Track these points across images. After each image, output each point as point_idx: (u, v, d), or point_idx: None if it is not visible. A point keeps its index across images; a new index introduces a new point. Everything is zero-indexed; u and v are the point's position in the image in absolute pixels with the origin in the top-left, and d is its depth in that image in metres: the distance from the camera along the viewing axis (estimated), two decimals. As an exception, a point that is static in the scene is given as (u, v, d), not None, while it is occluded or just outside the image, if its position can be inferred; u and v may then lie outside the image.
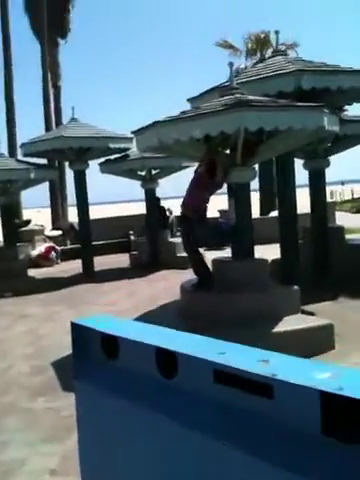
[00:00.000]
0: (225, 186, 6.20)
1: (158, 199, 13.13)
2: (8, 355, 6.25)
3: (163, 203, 13.89)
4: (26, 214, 22.22)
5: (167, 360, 1.67)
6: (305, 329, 5.27)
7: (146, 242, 12.72)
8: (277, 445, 1.15)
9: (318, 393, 1.05)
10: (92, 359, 2.42)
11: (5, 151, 16.22)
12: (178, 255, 12.17)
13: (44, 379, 5.33)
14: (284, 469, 1.08)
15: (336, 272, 8.34)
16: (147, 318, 6.84)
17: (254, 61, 19.40)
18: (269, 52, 23.53)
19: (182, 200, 6.19)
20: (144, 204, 13.00)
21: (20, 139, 17.48)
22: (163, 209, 13.74)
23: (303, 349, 5.16)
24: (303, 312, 5.90)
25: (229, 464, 1.25)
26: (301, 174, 9.29)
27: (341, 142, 9.22)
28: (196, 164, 12.04)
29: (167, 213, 14.22)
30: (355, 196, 29.06)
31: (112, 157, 12.37)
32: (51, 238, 15.71)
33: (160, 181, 12.92)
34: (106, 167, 12.42)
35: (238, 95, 5.69)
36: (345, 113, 8.74)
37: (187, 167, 12.57)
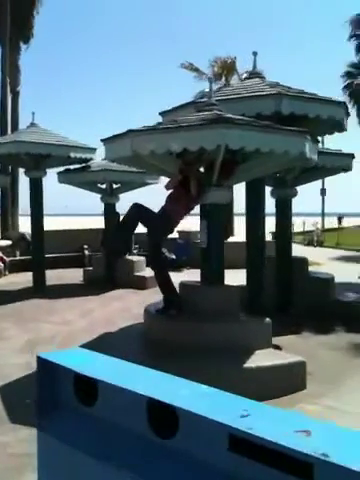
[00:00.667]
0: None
1: (117, 214, 12.67)
2: None
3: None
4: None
5: (164, 416, 1.29)
6: (278, 366, 4.94)
7: (102, 258, 12.21)
8: None
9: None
10: (62, 405, 1.95)
11: None
12: (135, 274, 11.76)
13: (-13, 408, 4.75)
14: None
15: (298, 304, 8.17)
16: (105, 341, 6.37)
17: (219, 85, 19.43)
18: (234, 78, 23.81)
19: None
20: (103, 218, 12.51)
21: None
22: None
23: (274, 388, 4.86)
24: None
25: None
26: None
27: (310, 173, 9.12)
28: (159, 181, 11.91)
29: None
30: (306, 229, 29.72)
31: (72, 167, 11.86)
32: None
33: (120, 196, 12.47)
34: (65, 177, 11.87)
35: (217, 111, 5.39)
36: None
37: (149, 184, 12.24)
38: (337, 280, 9.16)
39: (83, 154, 11.15)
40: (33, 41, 24.03)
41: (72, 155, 10.88)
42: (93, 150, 11.25)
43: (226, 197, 5.64)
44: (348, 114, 7.73)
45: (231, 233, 19.72)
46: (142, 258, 12.23)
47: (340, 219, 42.76)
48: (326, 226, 33.85)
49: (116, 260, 11.64)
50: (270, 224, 8.78)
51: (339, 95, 24.91)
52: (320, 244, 25.55)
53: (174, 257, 14.49)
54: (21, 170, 14.82)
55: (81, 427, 1.80)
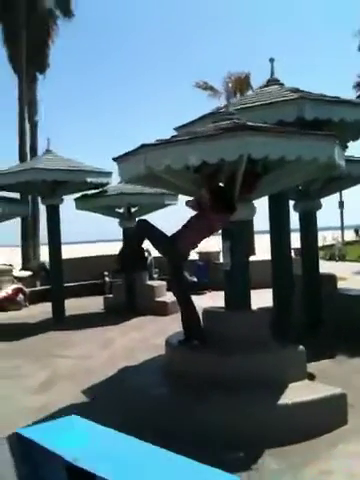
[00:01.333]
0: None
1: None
2: None
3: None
4: (-1, 252, 21.05)
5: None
6: (316, 401, 4.32)
7: (122, 285, 11.74)
8: None
9: None
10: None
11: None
12: (156, 299, 11.27)
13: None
14: None
15: (329, 324, 7.53)
16: (125, 376, 5.85)
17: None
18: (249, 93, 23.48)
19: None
20: (121, 244, 12.07)
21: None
22: (142, 249, 12.82)
23: (313, 425, 4.26)
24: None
25: None
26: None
27: (334, 183, 8.53)
28: (177, 201, 11.42)
29: (146, 254, 13.32)
30: (326, 243, 28.98)
31: (89, 192, 11.51)
32: (20, 279, 14.55)
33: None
34: (82, 203, 11.51)
35: (236, 120, 4.90)
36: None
37: (168, 205, 11.78)
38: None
39: (99, 179, 10.79)
40: (49, 71, 24.16)
41: (88, 180, 10.53)
42: (109, 174, 10.88)
43: (250, 213, 5.11)
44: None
45: (253, 252, 19.13)
46: (163, 283, 11.77)
47: (357, 231, 41.69)
48: (345, 239, 32.95)
49: (131, 276, 11.23)
50: (293, 240, 8.22)
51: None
52: (342, 258, 24.72)
53: (196, 280, 13.98)
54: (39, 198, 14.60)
55: None
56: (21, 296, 13.30)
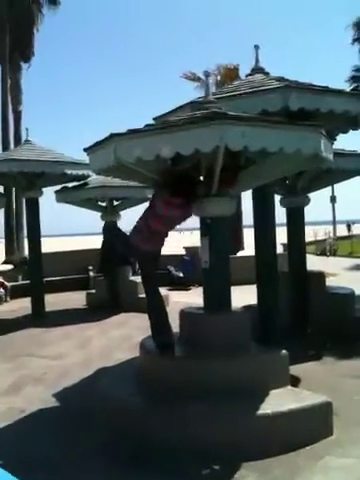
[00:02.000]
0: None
1: (119, 231, 11.86)
2: None
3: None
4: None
5: None
6: (299, 410, 4.03)
7: (103, 280, 11.41)
8: None
9: None
10: None
11: None
12: (140, 296, 10.93)
13: None
14: None
15: (316, 324, 7.25)
16: (97, 380, 5.53)
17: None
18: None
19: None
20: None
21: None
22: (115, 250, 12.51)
23: (296, 436, 3.97)
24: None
25: None
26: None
27: (323, 178, 8.22)
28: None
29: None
30: (317, 238, 28.72)
31: (70, 185, 11.12)
32: (1, 273, 14.17)
33: (122, 213, 11.66)
34: (62, 195, 11.12)
35: (215, 109, 4.57)
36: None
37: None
38: (356, 293, 8.23)
39: (79, 170, 10.37)
40: (34, 60, 23.61)
41: (68, 172, 10.12)
42: (89, 165, 10.49)
43: (229, 208, 4.77)
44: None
45: (241, 247, 18.84)
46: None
47: (349, 226, 41.53)
48: (337, 234, 32.79)
49: (113, 272, 10.98)
50: (281, 234, 7.92)
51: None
52: (333, 253, 24.55)
53: (181, 275, 13.72)
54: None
55: None
56: (1, 290, 12.97)
